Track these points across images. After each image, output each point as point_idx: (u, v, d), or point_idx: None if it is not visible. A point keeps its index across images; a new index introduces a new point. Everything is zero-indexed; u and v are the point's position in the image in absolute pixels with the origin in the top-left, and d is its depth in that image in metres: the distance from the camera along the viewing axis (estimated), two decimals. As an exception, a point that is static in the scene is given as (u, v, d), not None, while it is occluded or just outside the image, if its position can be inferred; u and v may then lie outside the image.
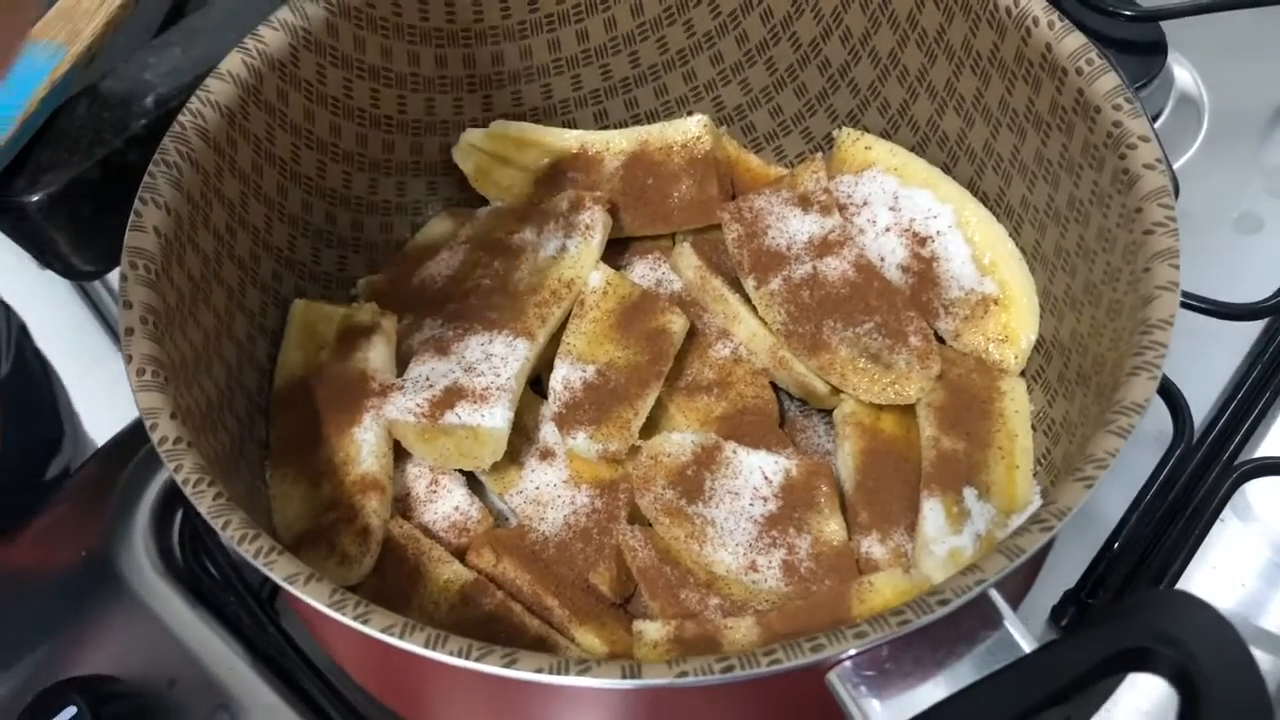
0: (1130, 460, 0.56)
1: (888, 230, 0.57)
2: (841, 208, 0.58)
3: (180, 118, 0.50)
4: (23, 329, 0.67)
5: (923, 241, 0.56)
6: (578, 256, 0.58)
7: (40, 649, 0.55)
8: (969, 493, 0.50)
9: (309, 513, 0.51)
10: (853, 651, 0.37)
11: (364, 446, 0.53)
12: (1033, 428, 0.53)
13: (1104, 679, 0.36)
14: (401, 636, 0.37)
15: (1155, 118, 0.71)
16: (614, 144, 0.62)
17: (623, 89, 0.63)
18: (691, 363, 0.57)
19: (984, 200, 0.56)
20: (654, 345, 0.55)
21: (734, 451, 0.53)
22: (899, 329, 0.55)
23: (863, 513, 0.52)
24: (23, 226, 0.57)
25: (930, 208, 0.57)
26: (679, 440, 0.53)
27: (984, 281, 0.55)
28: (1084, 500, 0.39)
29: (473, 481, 0.55)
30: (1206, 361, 0.61)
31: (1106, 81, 0.48)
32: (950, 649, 0.38)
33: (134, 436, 0.62)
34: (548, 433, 0.55)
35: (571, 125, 0.64)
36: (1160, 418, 0.58)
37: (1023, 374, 0.54)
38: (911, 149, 0.59)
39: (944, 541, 0.49)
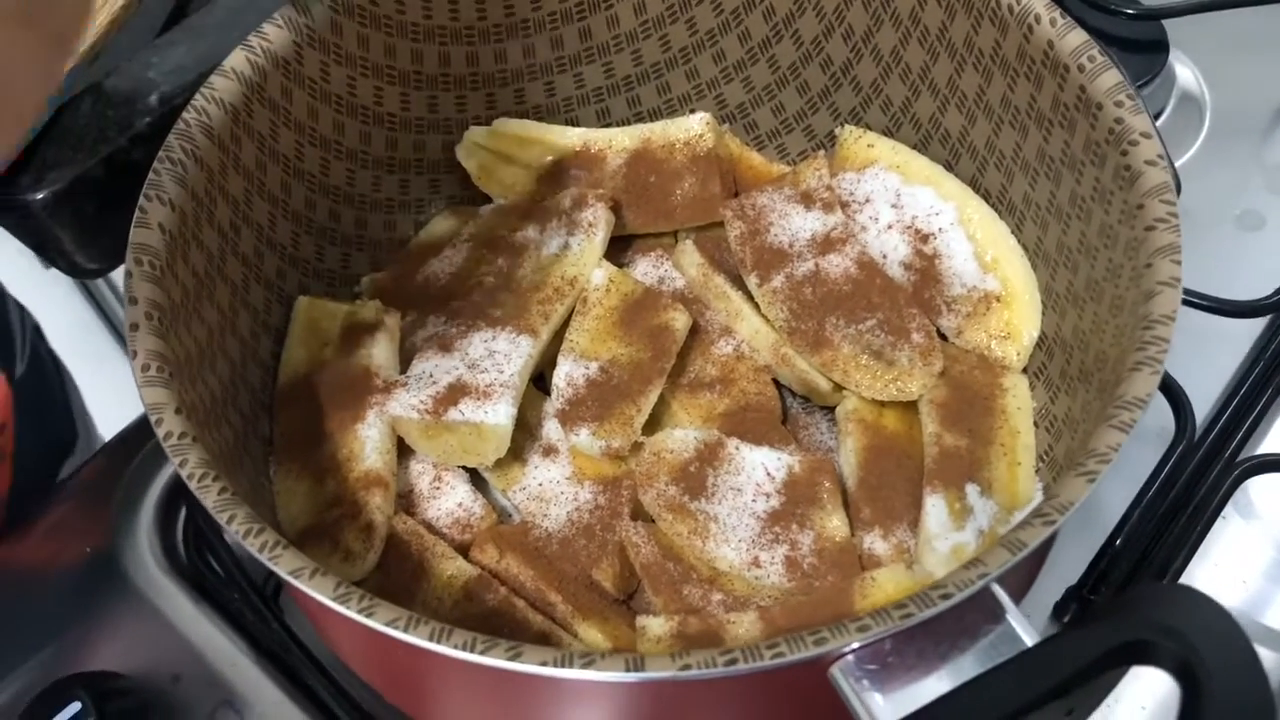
0: (1132, 457, 0.56)
1: (890, 227, 0.57)
2: (844, 205, 0.58)
3: (185, 115, 0.51)
4: (37, 330, 0.67)
5: (925, 239, 0.57)
6: (581, 254, 0.58)
7: (46, 646, 0.55)
8: (971, 489, 0.50)
9: (313, 509, 0.52)
10: (855, 645, 0.37)
11: (368, 443, 0.53)
12: (1035, 424, 0.53)
13: (1106, 672, 0.36)
14: (406, 630, 0.37)
15: (1157, 116, 0.71)
16: (617, 142, 0.62)
17: (625, 87, 0.64)
18: (694, 360, 0.58)
19: (986, 197, 0.57)
20: (657, 342, 0.56)
21: (736, 448, 0.53)
22: (901, 326, 0.55)
23: (865, 509, 0.52)
24: (27, 224, 0.57)
25: (932, 205, 0.57)
26: (682, 437, 0.53)
27: (986, 278, 0.55)
28: (1086, 494, 0.39)
29: (476, 478, 0.55)
30: (1208, 359, 0.62)
31: (1108, 78, 0.48)
32: (953, 643, 0.38)
33: (137, 435, 0.62)
34: (551, 429, 0.56)
35: (574, 123, 0.64)
36: (1162, 415, 0.58)
37: (1025, 371, 0.55)
38: (914, 146, 0.59)
39: (946, 538, 0.49)
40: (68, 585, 0.57)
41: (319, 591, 0.38)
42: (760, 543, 0.50)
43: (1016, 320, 0.54)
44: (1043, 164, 0.52)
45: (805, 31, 0.60)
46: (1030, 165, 0.53)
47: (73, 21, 0.33)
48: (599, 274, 0.58)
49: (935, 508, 0.50)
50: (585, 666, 0.36)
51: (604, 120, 0.64)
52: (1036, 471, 0.52)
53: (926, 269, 0.56)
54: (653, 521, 0.52)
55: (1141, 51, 0.70)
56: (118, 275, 0.63)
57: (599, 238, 0.58)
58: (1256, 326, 0.63)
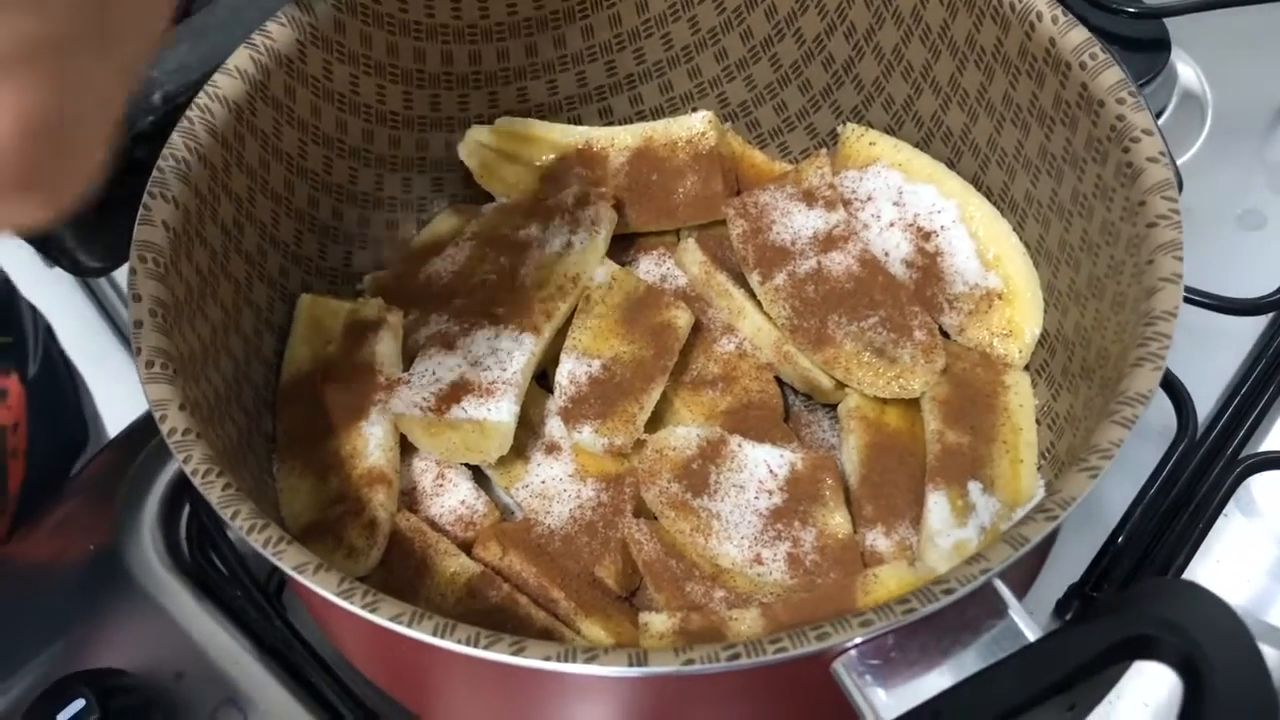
0: (1134, 454, 0.56)
1: (892, 225, 0.57)
2: (846, 203, 0.58)
3: (189, 113, 0.51)
4: (49, 331, 0.67)
5: (927, 236, 0.57)
6: (583, 252, 0.58)
7: (50, 644, 0.55)
8: (973, 486, 0.50)
9: (316, 505, 0.52)
10: (858, 640, 0.37)
11: (371, 440, 0.53)
12: (1037, 422, 0.53)
13: (1109, 667, 0.36)
14: (410, 625, 0.37)
15: (1158, 115, 0.71)
16: (619, 140, 0.62)
17: (628, 85, 0.64)
18: (696, 357, 0.58)
19: (988, 195, 0.57)
20: (659, 340, 0.56)
21: (739, 445, 0.53)
22: (903, 323, 0.55)
23: (867, 506, 0.52)
24: (30, 223, 0.57)
25: (934, 203, 0.57)
26: (684, 434, 0.53)
27: (988, 276, 0.55)
28: (1088, 490, 0.39)
29: (479, 475, 0.55)
30: (1210, 357, 0.62)
31: (1110, 76, 0.48)
32: (955, 638, 0.38)
33: (140, 433, 0.62)
34: (553, 427, 0.56)
35: (577, 121, 0.64)
36: (1164, 412, 0.58)
37: (1027, 368, 0.55)
38: (915, 144, 0.59)
39: (949, 534, 0.49)
40: (72, 583, 0.57)
41: (323, 587, 0.39)
42: (763, 540, 0.50)
43: (1018, 317, 0.54)
44: (1044, 161, 0.53)
45: (807, 30, 0.60)
46: (1032, 162, 0.53)
47: (140, 50, 0.33)
48: (601, 272, 0.58)
49: (937, 505, 0.50)
50: (588, 662, 0.36)
51: (606, 119, 0.65)
52: (1038, 469, 0.52)
53: (928, 267, 0.56)
54: (655, 519, 0.52)
55: (1143, 50, 0.70)
56: (119, 274, 0.63)
57: (601, 236, 0.58)
58: (1258, 325, 0.63)
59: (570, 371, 0.55)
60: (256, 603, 0.56)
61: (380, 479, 0.52)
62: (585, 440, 0.53)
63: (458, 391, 0.53)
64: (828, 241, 0.57)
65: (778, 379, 0.58)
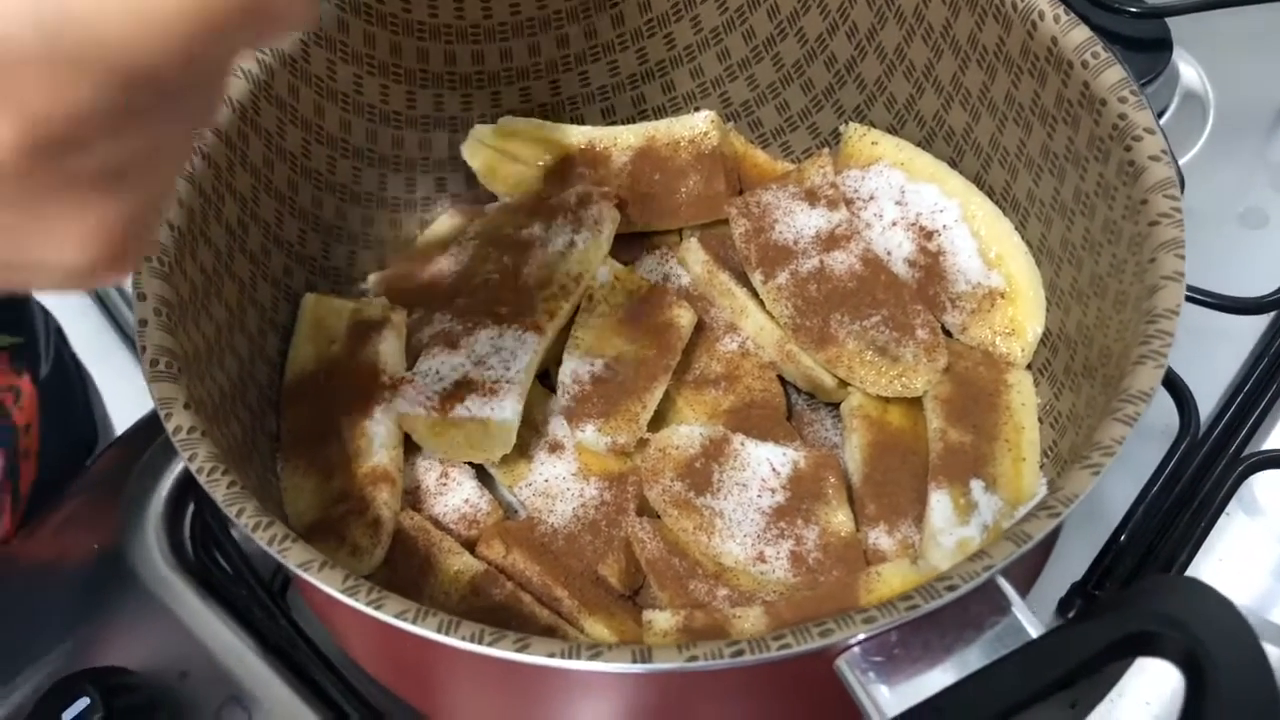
0: (1136, 453, 0.56)
1: (894, 224, 0.57)
2: (848, 202, 0.58)
3: (193, 112, 0.51)
4: (59, 332, 0.67)
5: (929, 235, 0.57)
6: (586, 251, 0.58)
7: (56, 643, 0.55)
8: (976, 485, 0.50)
9: (320, 504, 0.52)
10: (861, 637, 0.37)
11: (375, 439, 0.53)
12: (1039, 420, 0.53)
13: (1111, 663, 0.36)
14: (415, 622, 0.37)
15: (1160, 114, 0.72)
16: (621, 140, 0.62)
17: (630, 85, 0.64)
18: (699, 356, 0.58)
19: (990, 194, 0.57)
20: (662, 339, 0.56)
21: (742, 444, 0.53)
22: (906, 322, 0.55)
23: (870, 504, 0.52)
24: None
25: (937, 202, 0.57)
26: (687, 433, 0.53)
27: (990, 275, 0.55)
28: (1091, 487, 0.39)
29: (482, 474, 0.55)
30: (1212, 355, 0.62)
31: (1112, 75, 0.48)
32: (958, 635, 0.38)
33: (144, 432, 0.62)
34: (556, 426, 0.56)
35: (579, 121, 0.64)
36: (1166, 411, 0.58)
37: (1029, 367, 0.55)
38: (918, 144, 0.59)
39: (951, 533, 0.49)
40: (77, 582, 0.57)
41: (328, 584, 0.39)
42: (765, 538, 0.50)
43: (1021, 316, 0.54)
44: (1046, 160, 0.53)
45: (809, 29, 0.60)
46: (1034, 161, 0.53)
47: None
48: (604, 271, 0.58)
49: (940, 503, 0.50)
50: (592, 658, 0.36)
51: (609, 118, 0.65)
52: (1041, 467, 0.52)
53: (931, 266, 0.56)
54: (658, 517, 0.52)
55: (1145, 50, 0.70)
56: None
57: (604, 235, 0.58)
58: (1260, 324, 0.63)
59: (573, 370, 0.55)
60: (261, 601, 0.56)
61: (384, 478, 0.52)
62: (588, 439, 0.54)
63: (461, 390, 0.53)
64: (830, 241, 0.57)
65: (780, 378, 0.58)
